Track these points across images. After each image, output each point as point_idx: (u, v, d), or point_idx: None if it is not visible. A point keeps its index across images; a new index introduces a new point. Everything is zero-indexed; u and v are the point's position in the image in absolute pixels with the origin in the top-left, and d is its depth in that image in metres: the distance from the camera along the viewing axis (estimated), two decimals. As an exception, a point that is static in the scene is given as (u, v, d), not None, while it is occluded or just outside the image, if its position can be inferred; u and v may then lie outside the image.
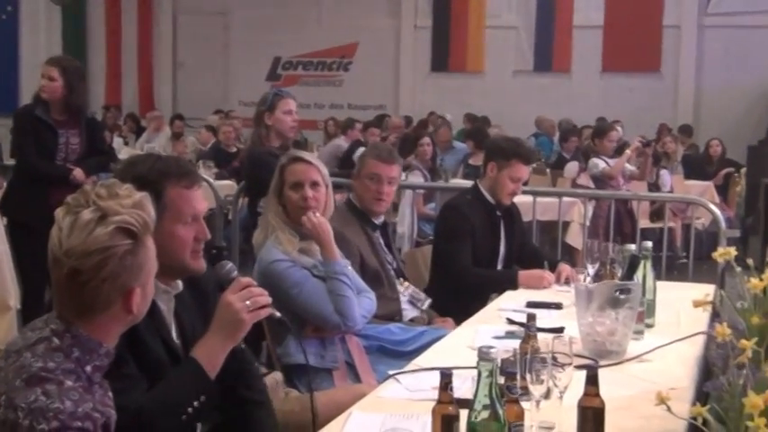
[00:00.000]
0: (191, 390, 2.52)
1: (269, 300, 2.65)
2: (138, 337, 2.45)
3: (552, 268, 4.88)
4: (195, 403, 2.51)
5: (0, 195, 6.49)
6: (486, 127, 14.61)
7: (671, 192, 10.46)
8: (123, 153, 12.03)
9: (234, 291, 2.62)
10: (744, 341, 2.05)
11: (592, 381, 2.41)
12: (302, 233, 3.87)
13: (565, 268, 4.82)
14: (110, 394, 2.16)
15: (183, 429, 2.54)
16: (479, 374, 2.19)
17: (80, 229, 2.08)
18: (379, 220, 4.55)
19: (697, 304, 2.44)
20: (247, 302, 2.59)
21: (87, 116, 6.36)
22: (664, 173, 10.64)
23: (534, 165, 11.68)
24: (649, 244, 3.82)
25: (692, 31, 16.84)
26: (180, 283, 2.70)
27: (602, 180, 8.83)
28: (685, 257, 9.04)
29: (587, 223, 7.78)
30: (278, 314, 2.73)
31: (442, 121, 14.01)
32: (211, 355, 2.56)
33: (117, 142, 13.29)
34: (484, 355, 2.19)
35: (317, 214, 3.83)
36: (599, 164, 8.85)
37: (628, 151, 9.03)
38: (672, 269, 8.46)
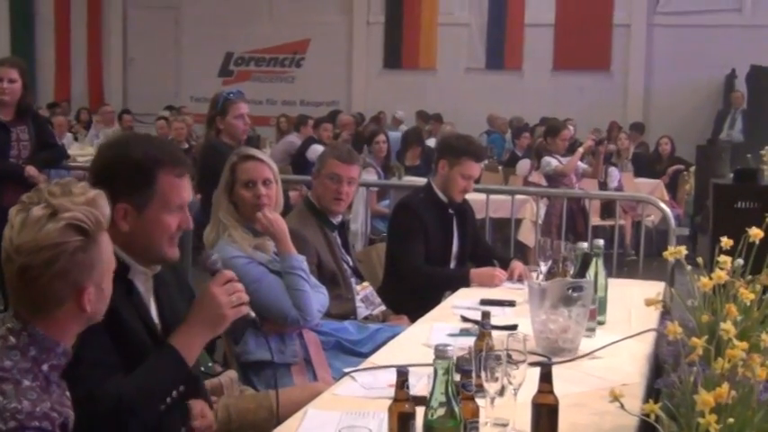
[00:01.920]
0: (170, 379, 2.53)
1: (247, 298, 2.67)
2: (118, 318, 2.44)
3: (504, 266, 4.91)
4: (174, 393, 2.52)
5: None
6: (439, 124, 14.69)
7: (619, 189, 10.57)
8: (74, 149, 11.90)
9: (218, 283, 2.63)
10: (695, 339, 2.09)
11: (545, 378, 2.44)
12: (255, 230, 3.87)
13: (517, 266, 4.86)
14: (67, 394, 2.16)
15: (161, 417, 2.54)
16: (435, 372, 2.21)
17: (30, 225, 2.08)
18: (336, 220, 4.55)
19: (649, 303, 2.48)
20: (232, 298, 2.61)
21: (33, 112, 6.44)
22: (612, 170, 10.74)
23: (485, 162, 11.80)
24: (601, 242, 3.86)
25: (641, 30, 17.04)
26: (158, 267, 2.71)
27: (554, 178, 8.89)
28: (635, 255, 9.15)
29: (540, 221, 7.85)
30: (253, 314, 2.74)
31: (393, 119, 14.06)
32: (190, 345, 2.57)
33: (67, 138, 13.12)
34: (440, 353, 2.21)
35: (271, 211, 3.84)
36: (551, 162, 8.91)
37: (580, 149, 9.10)
38: (622, 266, 8.56)
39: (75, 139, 14.24)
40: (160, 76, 19.35)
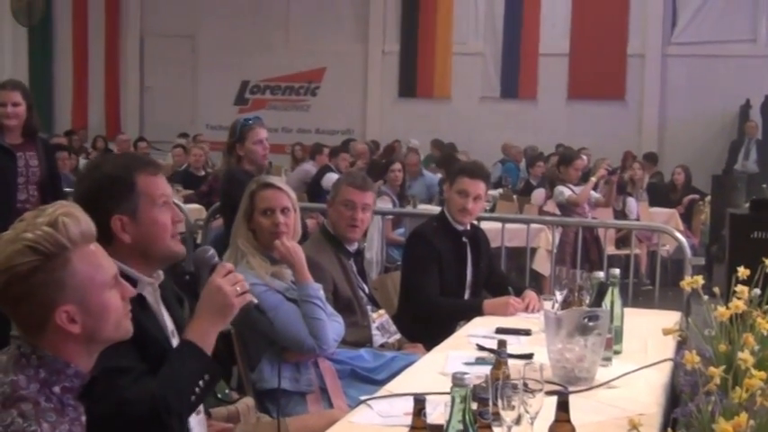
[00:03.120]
0: (194, 370, 2.57)
1: (248, 285, 2.72)
2: (142, 331, 2.48)
3: (519, 295, 4.90)
4: (201, 383, 2.57)
5: None
6: (453, 153, 14.70)
7: (638, 219, 10.56)
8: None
9: (221, 275, 2.68)
10: (712, 368, 2.09)
11: (563, 407, 2.44)
12: (272, 258, 3.90)
13: (531, 296, 4.85)
14: (83, 419, 2.16)
15: (192, 410, 2.62)
16: (453, 400, 2.21)
17: None
18: (352, 248, 4.57)
19: (667, 332, 2.49)
20: (236, 287, 2.66)
21: (44, 138, 6.23)
22: (630, 200, 10.74)
23: (500, 191, 11.79)
24: (617, 271, 3.86)
25: (656, 60, 17.04)
26: (161, 273, 2.77)
27: (567, 207, 8.90)
28: (650, 284, 9.12)
29: (554, 250, 7.84)
30: (255, 300, 2.79)
31: (409, 149, 14.10)
32: (204, 336, 2.63)
33: (83, 165, 13.18)
34: (458, 381, 2.21)
35: (289, 239, 3.87)
36: (564, 191, 8.92)
37: (593, 179, 9.11)
38: (637, 296, 8.53)
39: (92, 166, 14.28)
40: (176, 104, 19.45)
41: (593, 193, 9.16)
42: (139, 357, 2.53)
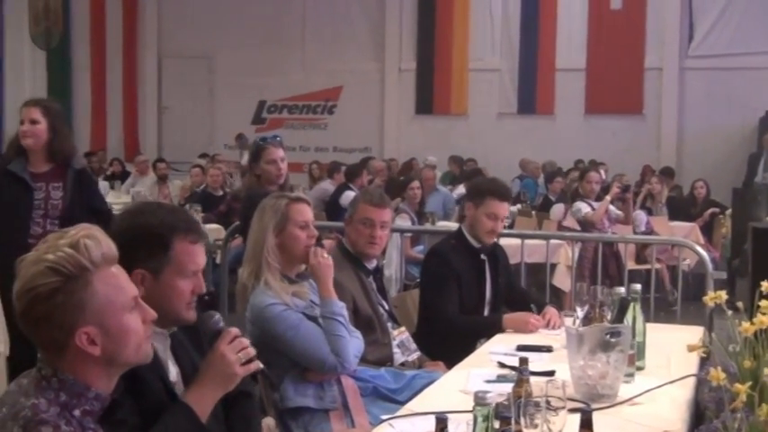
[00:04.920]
0: None
1: (254, 352, 2.69)
2: (139, 378, 2.46)
3: (540, 311, 4.88)
4: None
5: None
6: (479, 169, 14.67)
7: (650, 232, 10.52)
8: (110, 197, 12.02)
9: (225, 342, 2.66)
10: (738, 385, 2.07)
11: (586, 424, 2.43)
12: (290, 278, 3.89)
13: (551, 312, 4.82)
14: (103, 441, 2.16)
15: None
16: (475, 419, 2.20)
17: (20, 275, 2.13)
18: (371, 265, 4.56)
19: (692, 349, 2.46)
20: (240, 355, 2.64)
21: (76, 167, 5.54)
22: (639, 213, 10.69)
23: (519, 207, 11.77)
24: (638, 286, 3.83)
25: (673, 74, 17.00)
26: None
27: (584, 224, 8.90)
28: (675, 298, 9.05)
29: (574, 265, 7.81)
30: (261, 365, 2.75)
31: (425, 165, 14.10)
32: (203, 403, 2.60)
33: (103, 186, 13.26)
34: (480, 399, 2.20)
35: (326, 255, 3.87)
36: (582, 208, 8.92)
37: (607, 197, 9.10)
38: (659, 311, 8.47)
39: (112, 187, 14.38)
40: (194, 124, 19.55)
41: (613, 208, 9.15)
42: (134, 408, 2.48)
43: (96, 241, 2.17)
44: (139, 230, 2.65)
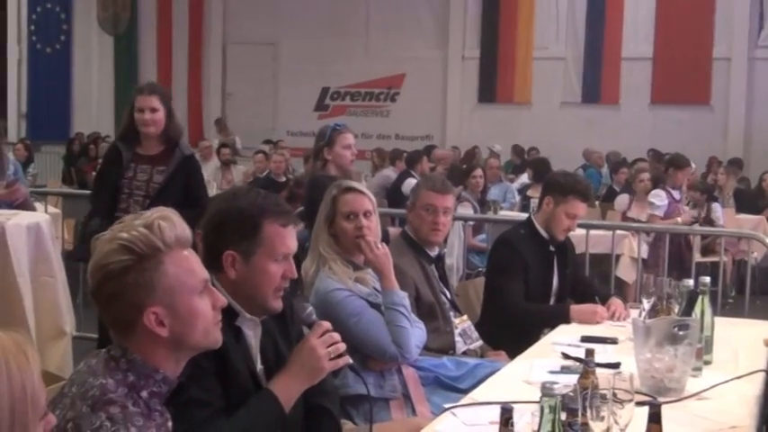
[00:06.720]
0: (268, 423, 2.58)
1: (344, 347, 2.72)
2: (226, 362, 2.51)
3: (603, 302, 4.82)
4: None
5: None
6: (547, 162, 14.55)
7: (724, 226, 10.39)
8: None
9: (316, 335, 2.69)
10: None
11: (655, 418, 2.39)
12: (354, 263, 3.88)
13: (616, 303, 4.76)
14: (169, 424, 2.17)
15: None
16: (542, 410, 2.18)
17: (95, 252, 2.16)
18: (434, 252, 4.53)
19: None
20: (329, 349, 2.67)
21: (186, 153, 5.60)
22: (716, 206, 10.53)
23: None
24: (707, 279, 3.76)
25: (742, 64, 16.73)
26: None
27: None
28: (735, 294, 8.96)
29: (642, 256, 7.73)
30: (350, 360, 2.78)
31: (490, 153, 14.03)
32: (288, 392, 2.64)
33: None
34: (547, 390, 2.17)
35: (381, 245, 3.85)
36: (657, 207, 8.97)
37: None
38: (724, 305, 8.35)
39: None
40: (257, 110, 19.68)
41: (686, 208, 9.15)
42: (221, 392, 2.53)
43: (171, 223, 2.20)
44: (230, 213, 2.69)
